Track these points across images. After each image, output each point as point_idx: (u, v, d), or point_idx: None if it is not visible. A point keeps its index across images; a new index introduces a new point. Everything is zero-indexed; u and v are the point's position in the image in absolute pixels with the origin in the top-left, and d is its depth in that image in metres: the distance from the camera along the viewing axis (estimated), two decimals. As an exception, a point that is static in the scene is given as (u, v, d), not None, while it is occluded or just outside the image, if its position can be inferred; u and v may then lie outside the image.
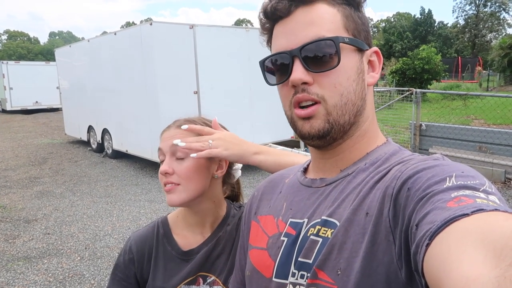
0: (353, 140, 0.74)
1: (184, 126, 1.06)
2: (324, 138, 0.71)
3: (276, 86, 0.76)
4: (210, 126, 1.11)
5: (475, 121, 13.15)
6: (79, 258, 4.41)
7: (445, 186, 0.52)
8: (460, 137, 7.34)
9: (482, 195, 0.49)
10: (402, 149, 0.74)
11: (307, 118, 0.70)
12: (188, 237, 1.13)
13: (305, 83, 0.69)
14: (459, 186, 0.51)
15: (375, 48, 0.75)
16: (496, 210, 0.44)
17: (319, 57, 0.68)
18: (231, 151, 1.02)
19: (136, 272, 1.12)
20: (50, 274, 4.07)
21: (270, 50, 0.76)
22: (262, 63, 0.76)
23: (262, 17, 0.75)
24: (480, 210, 0.44)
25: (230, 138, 1.05)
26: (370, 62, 0.75)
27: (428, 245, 0.44)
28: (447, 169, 0.55)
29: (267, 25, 0.75)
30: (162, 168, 1.03)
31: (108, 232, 5.10)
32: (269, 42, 0.77)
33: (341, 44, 0.68)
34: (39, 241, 4.90)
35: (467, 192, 0.49)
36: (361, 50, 0.72)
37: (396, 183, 0.60)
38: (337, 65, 0.68)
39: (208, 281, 1.09)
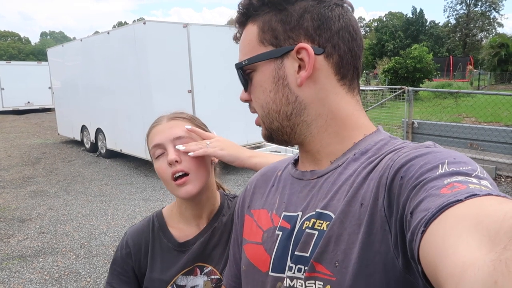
0: (319, 136, 0.74)
1: (187, 126, 1.09)
2: (273, 141, 0.79)
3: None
4: (200, 120, 1.18)
5: (466, 119, 13.27)
6: (74, 256, 4.41)
7: (437, 173, 0.52)
8: (452, 134, 7.44)
9: (474, 180, 0.49)
10: (393, 138, 0.73)
11: (259, 125, 0.80)
12: (184, 229, 1.14)
13: (247, 100, 0.80)
14: (451, 172, 0.51)
15: (299, 45, 0.69)
16: (489, 194, 0.45)
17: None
18: (227, 151, 1.09)
19: (133, 266, 1.13)
20: (45, 272, 4.07)
21: None
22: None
23: None
24: (474, 195, 0.44)
25: (227, 141, 1.13)
26: (301, 60, 0.71)
27: (423, 232, 0.44)
28: (439, 156, 0.56)
29: None
30: (171, 157, 1.03)
31: (103, 231, 5.10)
32: None
33: (245, 67, 0.75)
34: (34, 240, 4.89)
35: (460, 178, 0.50)
36: (280, 56, 0.71)
37: (389, 172, 0.60)
38: (246, 85, 0.77)
39: (205, 271, 1.11)
